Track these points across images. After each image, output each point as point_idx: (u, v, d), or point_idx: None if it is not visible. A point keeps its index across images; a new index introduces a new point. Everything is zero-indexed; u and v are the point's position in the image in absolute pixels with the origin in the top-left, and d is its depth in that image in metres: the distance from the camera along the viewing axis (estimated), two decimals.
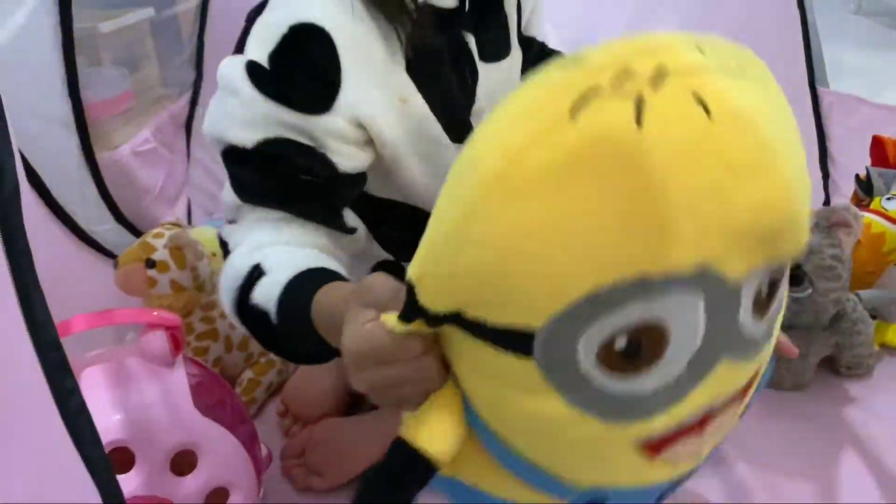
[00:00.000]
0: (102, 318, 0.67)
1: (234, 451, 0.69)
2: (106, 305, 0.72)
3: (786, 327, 0.87)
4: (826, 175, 1.32)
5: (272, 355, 0.93)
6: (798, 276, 0.83)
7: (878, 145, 1.10)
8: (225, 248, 0.66)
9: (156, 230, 0.86)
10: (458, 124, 0.73)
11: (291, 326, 0.56)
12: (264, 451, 0.76)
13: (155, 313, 0.70)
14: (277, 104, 0.61)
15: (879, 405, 0.88)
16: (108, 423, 0.63)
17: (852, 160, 1.19)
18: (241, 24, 0.72)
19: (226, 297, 0.62)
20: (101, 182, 1.07)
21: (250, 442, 0.72)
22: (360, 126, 0.65)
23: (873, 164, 1.10)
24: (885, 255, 0.99)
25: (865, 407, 0.88)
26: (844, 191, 1.25)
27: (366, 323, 0.42)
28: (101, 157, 1.07)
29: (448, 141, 0.72)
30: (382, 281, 0.44)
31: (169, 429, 0.65)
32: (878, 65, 2.23)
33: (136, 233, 1.11)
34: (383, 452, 0.71)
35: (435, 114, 0.70)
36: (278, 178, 0.63)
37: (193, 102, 1.43)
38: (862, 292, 0.94)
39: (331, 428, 0.82)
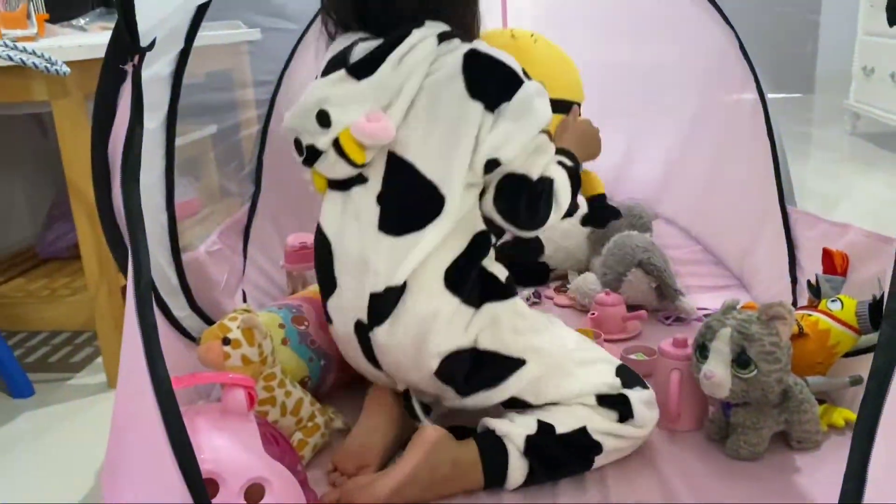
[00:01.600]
0: (200, 378, 0.88)
1: (293, 488, 0.88)
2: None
3: (741, 403, 1.06)
4: (794, 280, 1.52)
5: (317, 419, 1.13)
6: (745, 360, 1.02)
7: (827, 256, 1.30)
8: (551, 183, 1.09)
9: (231, 314, 1.08)
10: None
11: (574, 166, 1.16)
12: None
13: (230, 375, 0.91)
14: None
15: (823, 475, 1.03)
16: (200, 459, 0.83)
17: (816, 267, 1.38)
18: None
19: (566, 190, 1.10)
20: (182, 275, 1.29)
21: (303, 484, 0.91)
22: None
23: (824, 272, 1.30)
24: (832, 348, 1.18)
25: (811, 476, 1.04)
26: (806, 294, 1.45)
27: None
28: (184, 256, 1.30)
29: None
30: None
31: (244, 466, 0.85)
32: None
33: (206, 318, 1.33)
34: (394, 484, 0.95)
35: None
36: None
37: (252, 211, 1.68)
38: (809, 378, 1.12)
39: (360, 477, 1.01)
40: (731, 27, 1.69)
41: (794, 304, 1.46)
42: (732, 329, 1.05)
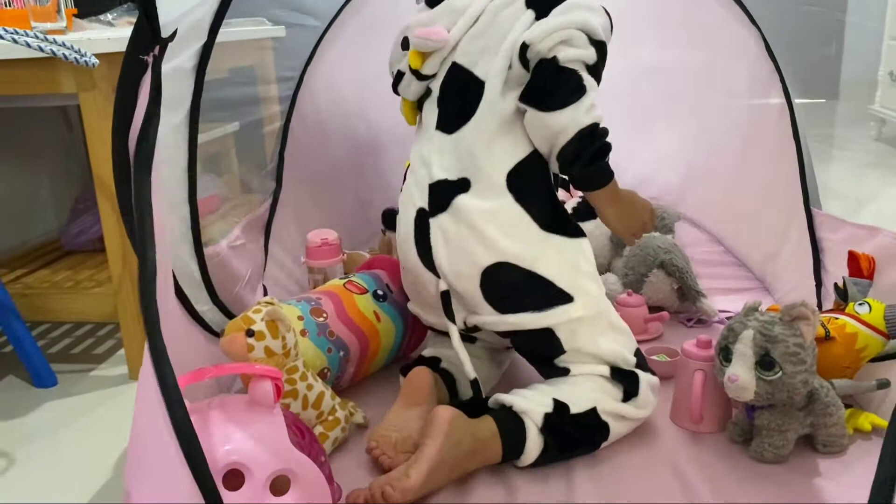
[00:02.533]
0: (226, 369, 0.88)
1: (318, 480, 0.88)
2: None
3: (766, 405, 1.05)
4: (819, 283, 1.50)
5: (338, 413, 1.13)
6: (769, 362, 1.01)
7: (853, 259, 1.29)
8: (581, 82, 1.07)
9: (255, 306, 1.08)
10: None
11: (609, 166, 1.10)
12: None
13: (257, 367, 0.91)
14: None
15: (849, 480, 1.02)
16: (227, 450, 0.83)
17: (841, 270, 1.37)
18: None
19: (595, 112, 1.07)
20: (204, 269, 1.30)
21: (328, 477, 0.91)
22: None
23: (850, 275, 1.29)
24: (859, 352, 1.17)
25: (837, 480, 1.03)
26: (834, 296, 1.43)
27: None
28: (206, 250, 1.31)
29: None
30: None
31: (270, 457, 0.85)
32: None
33: (227, 313, 1.34)
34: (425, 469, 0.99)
35: None
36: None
37: (273, 207, 1.68)
38: (835, 381, 1.11)
39: (389, 475, 1.01)
40: (758, 27, 1.68)
41: (819, 307, 1.45)
42: (755, 331, 1.03)
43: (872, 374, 1.18)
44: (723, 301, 1.61)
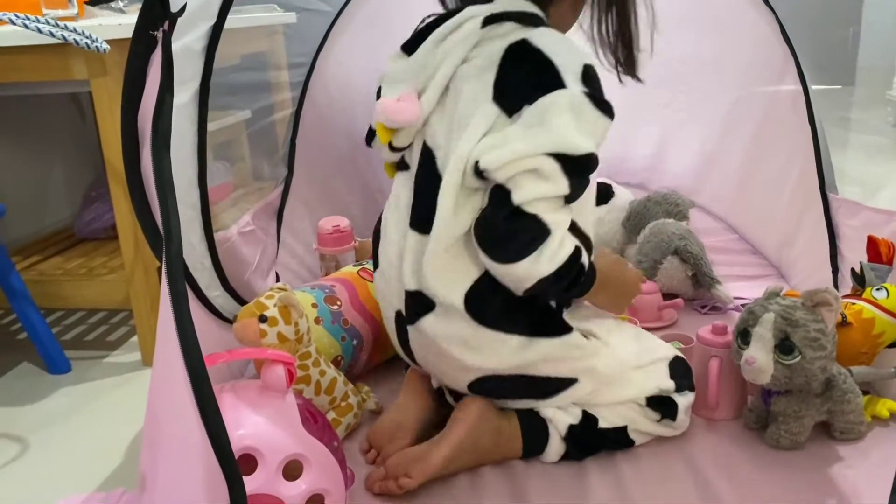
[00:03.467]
0: (239, 353, 0.88)
1: (331, 465, 0.88)
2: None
3: (782, 391, 1.04)
4: (836, 269, 1.49)
5: (351, 399, 1.13)
6: (788, 346, 1.00)
7: (872, 244, 1.27)
8: (542, 227, 0.90)
9: (268, 292, 1.07)
10: None
11: (587, 280, 0.95)
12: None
13: (269, 351, 0.91)
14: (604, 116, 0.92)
15: (867, 467, 1.01)
16: (240, 435, 0.83)
17: (858, 255, 1.34)
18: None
19: (561, 255, 0.91)
20: (215, 255, 1.29)
21: (341, 462, 0.91)
22: None
23: (869, 261, 1.27)
24: (876, 338, 1.15)
25: (854, 467, 1.01)
26: (850, 282, 1.42)
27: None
28: (216, 235, 1.31)
29: None
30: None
31: (283, 442, 0.85)
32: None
33: (239, 299, 1.33)
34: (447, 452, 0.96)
35: None
36: (588, 182, 0.95)
37: (285, 194, 1.68)
38: (853, 368, 1.09)
39: (404, 451, 1.01)
40: (772, 10, 1.65)
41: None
42: (776, 314, 1.02)
43: (890, 359, 1.16)
44: (738, 288, 1.60)
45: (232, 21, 1.19)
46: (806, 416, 1.04)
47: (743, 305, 1.26)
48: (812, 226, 1.56)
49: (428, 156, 1.00)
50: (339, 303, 1.26)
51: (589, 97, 0.91)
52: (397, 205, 1.06)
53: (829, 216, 1.52)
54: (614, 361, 1.04)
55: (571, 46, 0.96)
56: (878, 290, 1.18)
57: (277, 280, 1.56)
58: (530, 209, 0.89)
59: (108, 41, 1.25)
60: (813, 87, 1.61)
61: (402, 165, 1.06)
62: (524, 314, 0.98)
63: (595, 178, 1.92)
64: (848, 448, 1.06)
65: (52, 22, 1.19)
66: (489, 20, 0.97)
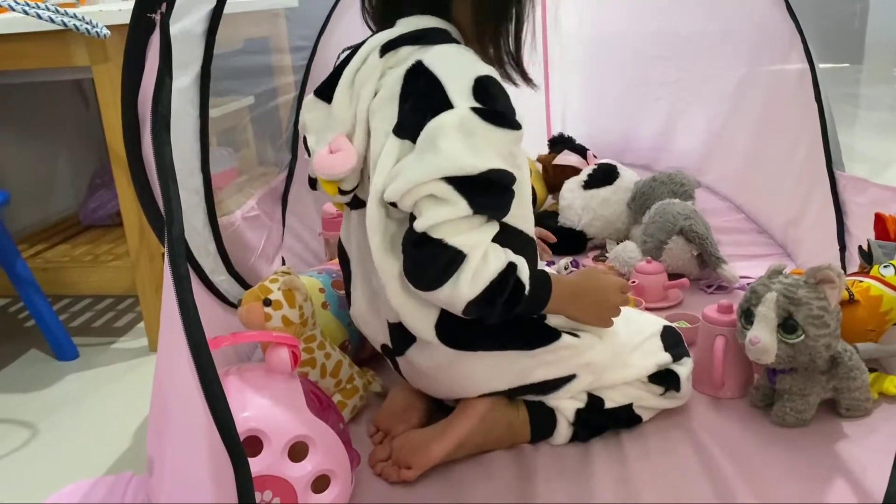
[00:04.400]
0: (243, 337, 0.88)
1: (336, 446, 0.88)
2: None
3: (787, 370, 1.03)
4: (843, 247, 1.48)
5: (356, 382, 1.13)
6: (792, 325, 1.00)
7: (879, 221, 1.26)
8: (451, 251, 0.86)
9: (272, 276, 1.08)
10: None
11: (537, 293, 0.92)
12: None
13: (274, 334, 0.91)
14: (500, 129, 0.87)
15: (873, 444, 1.01)
16: (245, 417, 0.83)
17: (866, 233, 1.34)
18: None
19: (480, 281, 0.87)
20: (220, 240, 1.30)
21: (346, 443, 0.92)
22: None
23: (877, 238, 1.26)
24: (884, 315, 1.15)
25: (860, 444, 1.01)
26: (858, 260, 1.41)
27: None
28: (220, 220, 1.31)
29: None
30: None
31: (288, 424, 0.85)
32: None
33: (244, 284, 1.34)
34: (450, 446, 0.92)
35: None
36: (506, 196, 0.90)
37: (289, 179, 1.68)
38: (859, 345, 1.09)
39: (410, 434, 1.01)
40: None
41: (843, 271, 1.42)
42: (779, 293, 1.02)
43: None
44: (744, 267, 1.59)
45: (234, 5, 1.19)
46: (811, 393, 1.04)
47: (748, 285, 1.26)
48: (819, 204, 1.55)
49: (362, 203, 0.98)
50: None
51: (478, 112, 0.87)
52: (350, 243, 1.04)
53: (836, 194, 1.51)
54: (608, 350, 1.04)
55: (463, 61, 0.91)
56: (885, 267, 1.17)
57: (283, 265, 1.57)
58: (435, 234, 0.86)
59: (108, 27, 1.26)
60: (820, 66, 1.60)
61: (355, 203, 1.02)
62: (506, 330, 0.96)
63: (601, 160, 1.92)
64: (854, 425, 1.06)
65: (53, 8, 1.19)
66: (385, 48, 0.94)
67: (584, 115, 2.42)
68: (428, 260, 0.87)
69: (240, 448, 0.73)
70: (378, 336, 1.06)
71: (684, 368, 1.09)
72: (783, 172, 1.75)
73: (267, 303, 1.04)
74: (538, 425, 1.04)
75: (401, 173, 0.88)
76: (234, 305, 1.25)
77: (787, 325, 1.00)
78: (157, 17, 0.89)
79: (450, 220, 0.86)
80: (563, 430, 1.05)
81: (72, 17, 1.20)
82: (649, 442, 1.05)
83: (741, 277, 1.55)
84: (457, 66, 0.90)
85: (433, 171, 0.85)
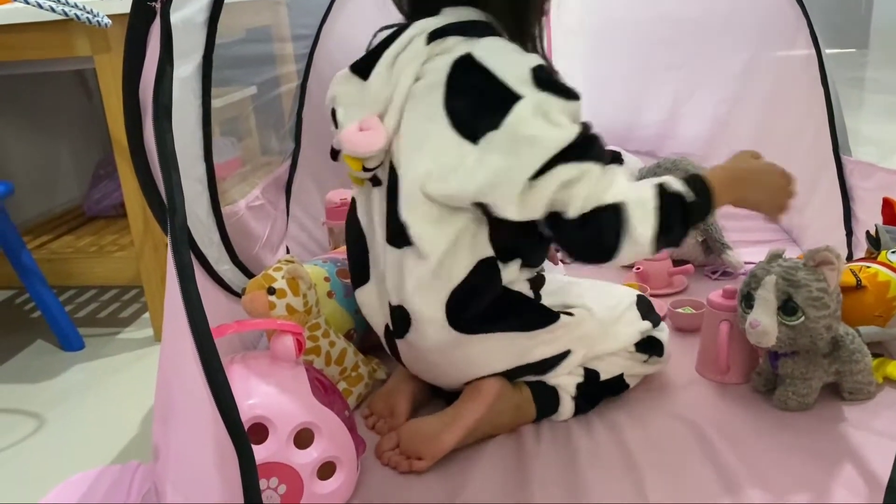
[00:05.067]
0: (248, 324, 0.88)
1: (342, 433, 0.88)
2: None
3: (789, 353, 1.03)
4: (850, 232, 1.47)
5: (361, 370, 1.13)
6: (791, 307, 0.99)
7: (887, 206, 1.25)
8: (608, 214, 0.89)
9: (276, 265, 1.08)
10: None
11: (700, 195, 0.93)
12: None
13: (278, 322, 0.91)
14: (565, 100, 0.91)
15: (877, 427, 1.01)
16: (250, 404, 0.84)
17: (873, 218, 1.33)
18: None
19: (647, 199, 0.90)
20: (224, 229, 1.30)
21: (352, 430, 0.92)
22: None
23: (885, 223, 1.25)
24: (891, 301, 1.14)
25: (864, 428, 1.01)
26: (865, 245, 1.41)
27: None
28: (224, 209, 1.31)
29: None
30: None
31: (293, 411, 0.85)
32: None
33: (248, 273, 1.34)
34: (461, 435, 0.92)
35: None
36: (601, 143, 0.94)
37: (293, 168, 1.68)
38: (861, 328, 1.09)
39: (417, 423, 1.01)
40: None
41: (850, 257, 1.42)
42: (778, 276, 1.01)
43: None
44: (749, 253, 1.58)
45: None
46: (813, 377, 1.04)
47: None
48: (825, 189, 1.54)
49: (394, 175, 0.98)
50: None
51: (548, 93, 0.89)
52: (371, 221, 1.04)
53: (842, 179, 1.50)
54: (596, 322, 1.06)
55: (514, 55, 0.93)
56: (893, 252, 1.16)
57: (287, 254, 1.57)
58: (589, 208, 0.88)
59: (109, 16, 1.25)
60: (826, 51, 1.59)
61: (374, 181, 1.02)
62: (508, 314, 0.99)
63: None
64: (857, 408, 1.05)
65: None
66: (433, 35, 0.95)
67: (588, 102, 2.39)
68: (598, 233, 0.90)
69: (244, 436, 0.74)
70: (379, 318, 1.07)
71: (664, 334, 1.13)
72: (789, 158, 1.71)
73: (271, 291, 1.04)
74: (542, 404, 1.06)
75: (504, 180, 0.88)
76: (238, 295, 1.25)
77: (786, 308, 1.00)
78: (158, 6, 0.88)
79: (592, 188, 0.88)
80: (567, 405, 1.06)
81: (73, 6, 1.20)
82: (652, 427, 1.05)
83: (746, 263, 1.54)
84: (510, 59, 0.92)
85: (541, 157, 0.87)
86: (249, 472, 0.70)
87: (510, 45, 0.96)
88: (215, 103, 1.74)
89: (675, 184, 0.94)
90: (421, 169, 0.93)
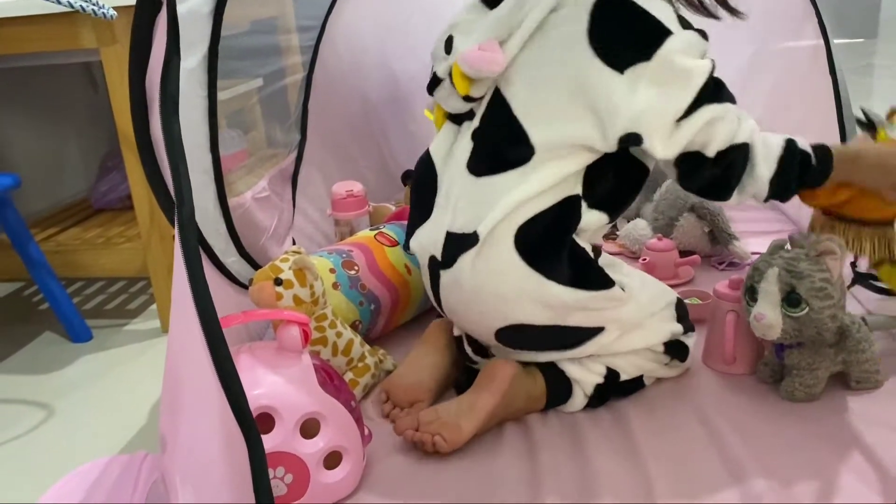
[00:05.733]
0: (255, 315, 0.89)
1: (348, 423, 0.88)
2: None
3: (795, 344, 1.03)
4: None
5: (367, 360, 1.14)
6: (795, 299, 0.99)
7: None
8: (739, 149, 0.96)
9: (283, 255, 1.08)
10: None
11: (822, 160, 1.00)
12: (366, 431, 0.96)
13: (284, 312, 0.91)
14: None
15: (883, 416, 1.00)
16: (257, 394, 0.84)
17: None
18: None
19: (773, 146, 0.98)
20: (230, 221, 1.30)
21: (358, 420, 0.92)
22: None
23: None
24: None
25: (871, 417, 1.01)
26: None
27: None
28: (230, 201, 1.31)
29: None
30: None
31: (300, 401, 0.86)
32: None
33: (255, 265, 1.34)
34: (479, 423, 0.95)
35: None
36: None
37: (298, 159, 1.68)
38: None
39: (436, 409, 1.01)
40: None
41: None
42: (780, 268, 1.01)
43: None
44: (756, 244, 1.58)
45: None
46: (820, 367, 1.03)
47: None
48: None
49: (502, 106, 0.99)
50: (356, 268, 1.26)
51: (690, 32, 0.95)
52: (451, 154, 1.05)
53: None
54: (637, 308, 1.05)
55: None
56: (891, 129, 1.13)
57: (294, 245, 1.57)
58: (723, 147, 0.95)
59: (115, 8, 1.25)
60: (834, 41, 1.58)
61: (465, 116, 1.05)
62: (570, 264, 0.98)
63: None
64: (864, 398, 1.05)
65: None
66: None
67: None
68: (729, 170, 0.96)
69: (253, 426, 0.74)
70: (429, 248, 1.05)
71: (691, 341, 1.13)
72: None
73: (278, 282, 1.05)
74: (554, 394, 1.06)
75: (657, 111, 0.92)
76: (244, 286, 1.25)
77: (790, 299, 1.00)
78: None
79: (730, 127, 0.95)
80: (579, 399, 1.06)
81: None
82: (658, 417, 1.05)
83: (753, 254, 1.54)
84: (657, 2, 0.95)
85: (692, 90, 0.92)
86: (259, 462, 0.71)
87: None
88: (220, 95, 1.74)
89: (803, 143, 1.00)
90: (582, 109, 0.95)
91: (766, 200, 1.01)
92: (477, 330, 1.07)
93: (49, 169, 1.99)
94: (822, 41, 1.58)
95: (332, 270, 1.24)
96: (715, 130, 0.93)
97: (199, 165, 1.20)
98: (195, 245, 0.79)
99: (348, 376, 1.12)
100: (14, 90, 1.87)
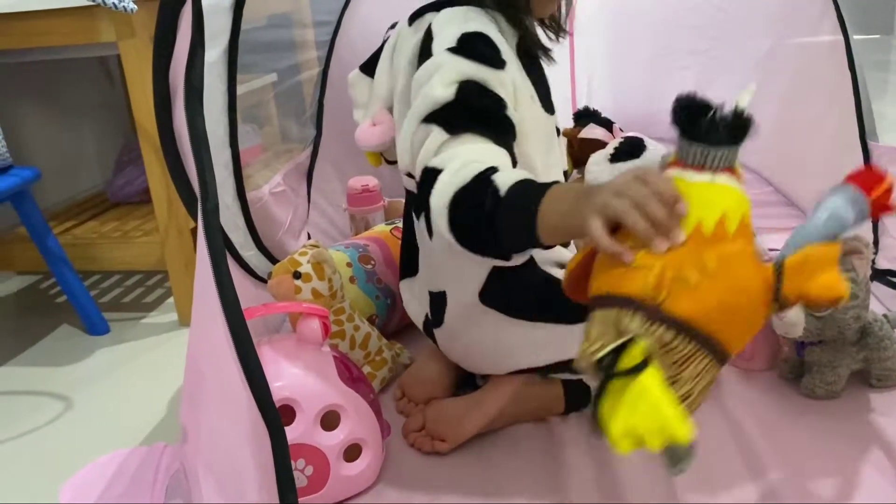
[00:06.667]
0: (275, 307, 0.89)
1: (368, 416, 0.89)
2: None
3: (816, 342, 1.02)
4: (876, 220, 1.45)
5: (385, 354, 1.14)
6: None
7: None
8: (431, 174, 0.78)
9: (301, 249, 1.08)
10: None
11: (516, 205, 0.70)
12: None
13: (304, 305, 0.92)
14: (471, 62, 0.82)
15: None
16: (278, 387, 0.84)
17: None
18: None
19: (448, 189, 0.75)
20: (248, 215, 1.30)
21: (377, 413, 0.92)
22: (514, 92, 0.86)
23: None
24: None
25: (890, 415, 1.00)
26: (892, 231, 1.39)
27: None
28: (248, 195, 1.32)
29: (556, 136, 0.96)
30: None
31: (320, 393, 0.86)
32: None
33: (272, 259, 1.35)
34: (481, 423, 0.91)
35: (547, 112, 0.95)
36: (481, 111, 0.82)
37: (314, 155, 1.68)
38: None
39: (443, 405, 1.02)
40: None
41: (877, 242, 1.41)
42: None
43: None
44: (772, 240, 1.56)
45: None
46: (841, 365, 1.03)
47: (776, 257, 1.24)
48: None
49: None
50: (373, 262, 1.26)
51: (449, 51, 0.84)
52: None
53: (869, 164, 1.48)
54: None
55: (461, 21, 0.88)
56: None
57: (309, 239, 1.57)
58: (419, 167, 0.82)
59: (135, 1, 1.26)
60: (853, 37, 1.56)
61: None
62: (550, 303, 0.94)
63: (627, 133, 1.90)
64: (886, 395, 1.05)
65: None
66: (413, 17, 0.96)
67: (610, 88, 2.39)
68: (424, 194, 0.79)
69: (277, 417, 0.74)
70: (418, 308, 1.07)
71: None
72: (813, 144, 1.72)
73: (297, 275, 1.05)
74: (572, 399, 1.05)
75: (402, 131, 0.87)
76: (263, 280, 1.26)
77: None
78: None
79: (428, 147, 0.81)
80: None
81: None
82: None
83: (769, 250, 1.53)
84: (452, 25, 0.87)
85: (422, 109, 0.82)
86: (282, 453, 0.71)
87: (471, 12, 0.90)
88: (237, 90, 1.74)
89: (505, 175, 0.74)
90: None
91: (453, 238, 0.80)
92: (482, 371, 1.07)
93: (66, 162, 2.00)
94: (840, 37, 1.57)
95: (349, 265, 1.24)
96: (422, 151, 0.82)
97: (219, 159, 1.20)
98: (219, 236, 0.79)
99: (366, 370, 1.12)
100: (31, 84, 1.88)
